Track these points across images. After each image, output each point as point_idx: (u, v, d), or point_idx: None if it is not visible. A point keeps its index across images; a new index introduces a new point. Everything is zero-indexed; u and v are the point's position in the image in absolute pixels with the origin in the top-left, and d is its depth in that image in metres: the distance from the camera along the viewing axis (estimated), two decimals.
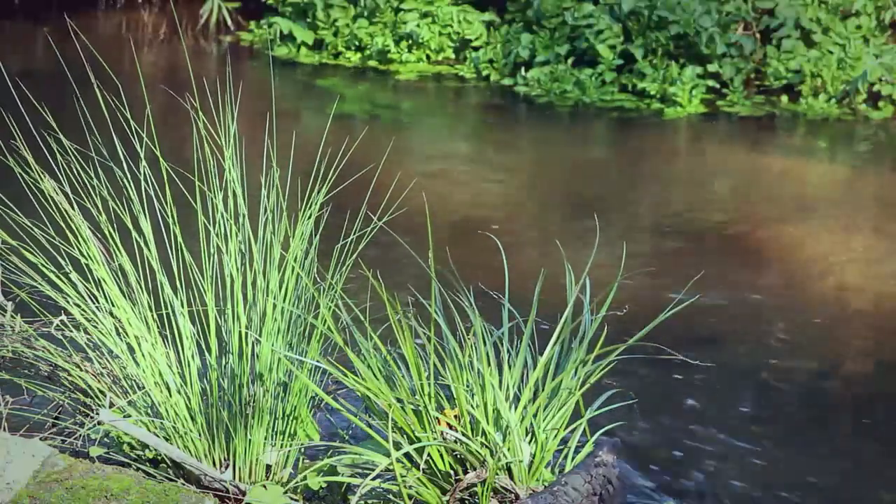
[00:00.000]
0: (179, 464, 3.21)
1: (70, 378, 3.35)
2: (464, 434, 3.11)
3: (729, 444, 4.23)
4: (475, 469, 3.11)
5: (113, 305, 3.31)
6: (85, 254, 3.31)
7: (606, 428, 3.39)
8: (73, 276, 3.32)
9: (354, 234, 3.38)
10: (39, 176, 3.32)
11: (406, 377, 3.15)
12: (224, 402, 3.26)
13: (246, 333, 3.24)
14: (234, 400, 3.23)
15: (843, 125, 8.87)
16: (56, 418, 3.39)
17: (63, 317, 3.33)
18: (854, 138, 8.74)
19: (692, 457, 4.12)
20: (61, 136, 3.34)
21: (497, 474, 3.11)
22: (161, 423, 3.26)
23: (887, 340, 5.23)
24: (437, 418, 3.12)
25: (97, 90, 3.46)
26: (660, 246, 6.34)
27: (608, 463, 3.07)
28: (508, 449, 3.13)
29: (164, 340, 3.34)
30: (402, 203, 3.63)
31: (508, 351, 3.30)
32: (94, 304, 3.32)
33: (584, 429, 3.33)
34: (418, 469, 3.10)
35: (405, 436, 3.09)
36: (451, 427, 3.13)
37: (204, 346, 3.32)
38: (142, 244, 3.33)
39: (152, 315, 3.33)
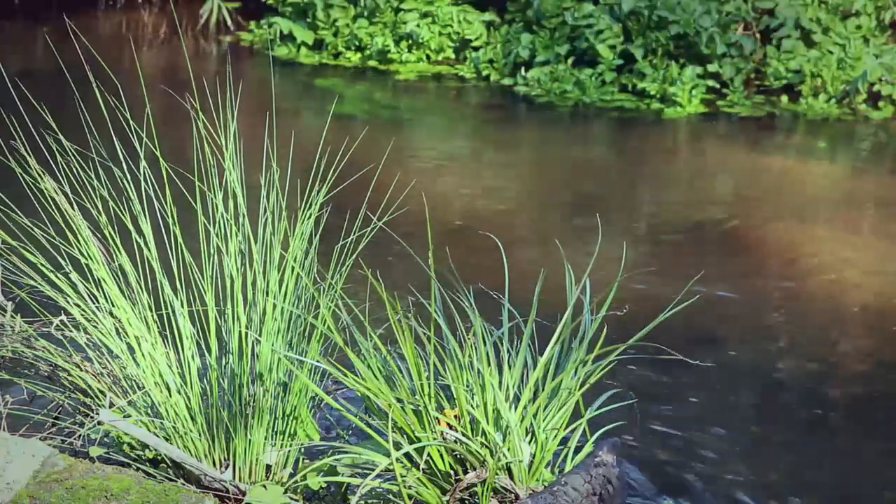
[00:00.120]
0: (179, 464, 3.21)
1: (70, 378, 3.35)
2: (464, 434, 3.11)
3: (729, 444, 4.23)
4: (475, 469, 3.10)
5: (113, 305, 3.30)
6: (85, 254, 3.31)
7: (606, 428, 3.39)
8: (73, 276, 3.32)
9: (354, 234, 3.38)
10: (39, 176, 3.32)
11: (406, 377, 3.15)
12: (224, 402, 3.25)
13: (246, 333, 3.24)
14: (234, 400, 3.22)
15: (843, 125, 8.87)
16: (56, 418, 3.39)
17: (63, 317, 3.32)
18: (854, 138, 8.74)
19: (692, 457, 4.11)
20: (61, 137, 3.34)
21: (497, 474, 3.11)
22: (161, 423, 3.25)
23: (887, 340, 5.23)
24: (437, 418, 3.11)
25: (97, 90, 3.46)
26: (660, 246, 6.34)
27: (608, 463, 3.07)
28: (508, 449, 3.13)
29: (164, 340, 3.34)
30: (402, 203, 3.63)
31: (508, 351, 3.30)
32: (94, 304, 3.32)
33: (584, 429, 3.33)
34: (418, 469, 3.10)
35: (405, 436, 3.09)
36: (451, 427, 3.13)
37: (204, 346, 3.32)
38: (142, 244, 3.32)
39: (152, 315, 3.33)
